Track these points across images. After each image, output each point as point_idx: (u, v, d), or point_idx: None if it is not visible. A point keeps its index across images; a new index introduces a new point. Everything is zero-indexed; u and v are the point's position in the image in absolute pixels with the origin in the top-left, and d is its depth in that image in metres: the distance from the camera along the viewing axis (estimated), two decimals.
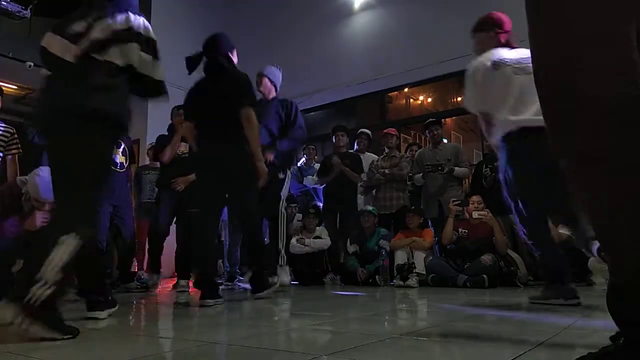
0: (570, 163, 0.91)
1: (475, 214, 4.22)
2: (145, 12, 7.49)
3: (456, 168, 4.74)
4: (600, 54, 0.85)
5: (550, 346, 1.36)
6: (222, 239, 5.31)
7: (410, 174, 5.07)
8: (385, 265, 4.51)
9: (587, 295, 3.18)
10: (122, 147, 4.16)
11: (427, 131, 5.10)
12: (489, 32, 2.72)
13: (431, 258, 4.30)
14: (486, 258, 3.95)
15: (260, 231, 3.22)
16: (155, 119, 6.32)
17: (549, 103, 0.94)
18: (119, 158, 4.11)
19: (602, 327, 1.92)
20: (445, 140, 5.43)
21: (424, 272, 4.27)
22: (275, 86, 4.18)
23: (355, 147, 5.60)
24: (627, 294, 0.85)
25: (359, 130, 5.69)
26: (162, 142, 4.51)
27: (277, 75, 4.23)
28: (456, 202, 4.37)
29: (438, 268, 4.20)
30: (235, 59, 3.17)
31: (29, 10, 5.40)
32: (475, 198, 4.33)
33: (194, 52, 3.11)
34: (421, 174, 4.89)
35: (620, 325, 0.88)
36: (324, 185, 5.34)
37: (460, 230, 4.25)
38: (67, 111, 1.77)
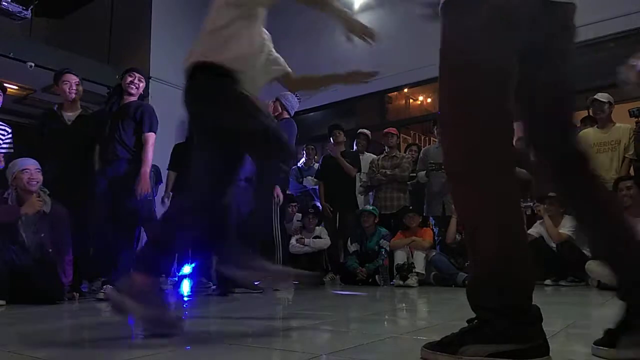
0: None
1: None
2: (146, 12, 7.48)
3: None
4: None
5: (550, 346, 1.37)
6: None
7: (413, 174, 5.07)
8: (385, 265, 4.52)
9: (586, 296, 3.19)
10: None
11: (435, 128, 5.13)
12: None
13: (434, 254, 4.33)
14: None
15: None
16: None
17: None
18: None
19: (600, 326, 1.93)
20: None
21: (424, 272, 4.29)
22: (287, 110, 4.22)
23: (355, 147, 5.60)
24: (483, 284, 1.11)
25: (358, 131, 5.69)
26: None
27: (292, 101, 4.27)
28: None
29: (439, 264, 4.22)
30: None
31: (29, 11, 5.40)
32: None
33: None
34: (425, 172, 4.87)
35: (474, 310, 1.14)
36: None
37: (464, 232, 4.26)
38: None
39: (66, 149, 3.55)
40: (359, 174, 5.29)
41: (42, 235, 2.98)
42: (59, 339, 1.75)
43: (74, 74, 3.85)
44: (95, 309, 2.83)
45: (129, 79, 3.59)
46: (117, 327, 2.04)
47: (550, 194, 4.19)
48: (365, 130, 5.66)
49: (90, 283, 3.86)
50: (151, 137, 3.51)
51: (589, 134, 4.26)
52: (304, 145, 6.09)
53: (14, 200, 2.98)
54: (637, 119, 4.09)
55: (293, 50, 7.54)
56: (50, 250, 2.99)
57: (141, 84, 3.65)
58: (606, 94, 4.24)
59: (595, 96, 4.23)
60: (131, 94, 3.60)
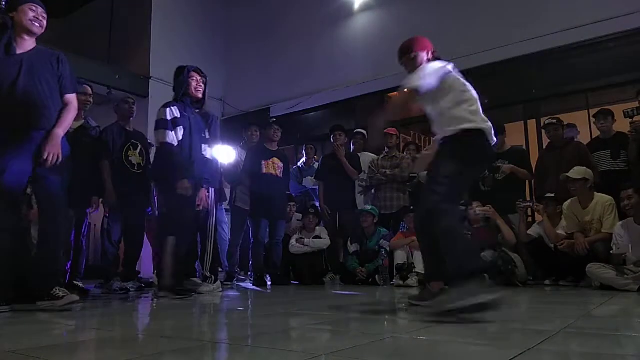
0: None
1: (478, 210, 4.24)
2: (145, 12, 7.48)
3: None
4: None
5: (550, 345, 1.37)
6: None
7: (414, 174, 5.06)
8: (385, 265, 4.52)
9: (585, 296, 3.19)
10: (139, 148, 4.07)
11: None
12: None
13: None
14: (487, 254, 3.96)
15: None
16: (154, 119, 6.31)
17: None
18: (136, 159, 4.03)
19: (598, 326, 1.93)
20: None
21: (423, 272, 4.28)
22: None
23: (352, 147, 5.58)
24: None
25: (355, 131, 5.67)
26: None
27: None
28: (460, 202, 4.38)
29: None
30: (21, 16, 2.54)
31: None
32: (474, 204, 4.34)
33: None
34: (427, 172, 4.85)
35: None
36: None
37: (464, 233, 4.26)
38: None
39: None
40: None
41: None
42: (59, 338, 1.75)
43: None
44: (93, 308, 2.83)
45: (31, 13, 2.55)
46: (118, 326, 2.04)
47: (548, 194, 4.19)
48: (361, 130, 5.65)
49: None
50: (75, 99, 2.68)
51: (573, 210, 3.98)
52: (304, 145, 6.09)
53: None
54: (631, 120, 4.08)
55: (293, 49, 7.60)
56: None
57: (45, 22, 2.63)
58: (582, 169, 3.91)
59: (567, 174, 3.91)
60: (33, 34, 2.58)
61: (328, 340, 1.62)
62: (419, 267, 4.29)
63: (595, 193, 3.90)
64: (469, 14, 6.20)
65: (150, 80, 6.94)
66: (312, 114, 7.67)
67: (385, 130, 5.36)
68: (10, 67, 2.45)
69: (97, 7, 7.91)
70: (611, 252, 3.53)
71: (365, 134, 5.63)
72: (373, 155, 5.47)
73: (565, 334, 1.58)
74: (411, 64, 2.72)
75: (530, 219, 4.74)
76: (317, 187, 5.53)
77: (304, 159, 5.92)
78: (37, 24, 2.56)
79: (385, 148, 5.28)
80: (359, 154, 5.42)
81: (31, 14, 2.54)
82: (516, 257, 4.10)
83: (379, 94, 7.04)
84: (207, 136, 3.55)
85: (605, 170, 4.23)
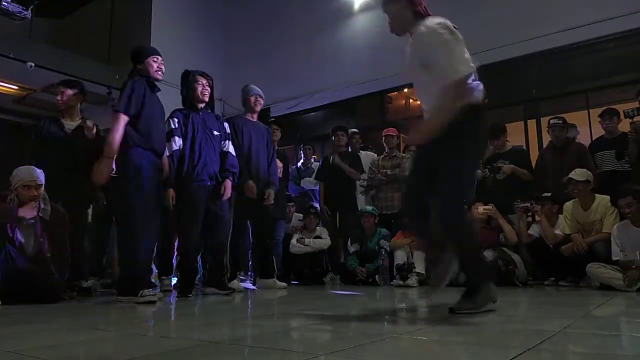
0: None
1: (481, 209, 4.24)
2: (146, 12, 7.45)
3: None
4: None
5: (550, 345, 1.37)
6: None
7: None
8: (385, 265, 4.52)
9: (585, 296, 3.19)
10: None
11: None
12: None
13: None
14: (487, 253, 3.96)
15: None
16: None
17: None
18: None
19: (598, 326, 1.93)
20: None
21: (424, 272, 4.28)
22: None
23: (348, 147, 5.57)
24: None
25: (351, 131, 5.66)
26: None
27: None
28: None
29: None
30: (148, 68, 3.11)
31: (29, 11, 5.39)
32: (477, 204, 4.34)
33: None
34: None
35: None
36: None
37: None
38: None
39: (64, 157, 3.55)
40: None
41: (41, 239, 2.99)
42: (59, 338, 1.75)
43: (70, 87, 3.77)
44: (92, 307, 2.83)
45: (155, 65, 3.14)
46: (118, 326, 2.04)
47: (545, 194, 4.19)
48: (354, 130, 5.66)
49: (85, 282, 3.87)
50: None
51: (573, 211, 3.95)
52: (302, 145, 6.08)
53: (15, 204, 2.99)
54: (631, 120, 4.07)
55: (293, 49, 7.60)
56: (48, 252, 3.00)
57: (163, 68, 3.28)
58: (585, 172, 3.90)
59: (570, 175, 3.91)
60: (157, 81, 3.24)
61: (328, 340, 1.62)
62: (419, 267, 4.30)
63: (596, 195, 3.90)
64: (469, 15, 6.19)
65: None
66: (312, 114, 7.67)
67: (385, 131, 5.36)
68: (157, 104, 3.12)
69: (97, 7, 7.90)
70: (618, 259, 3.43)
71: (357, 131, 5.64)
72: (373, 154, 5.47)
73: (565, 334, 1.58)
74: (407, 15, 2.24)
75: (530, 219, 4.74)
76: (315, 188, 5.52)
77: (302, 160, 5.91)
78: (160, 72, 3.10)
79: (386, 148, 5.28)
80: (359, 153, 5.42)
81: (156, 66, 3.07)
82: (516, 257, 4.10)
83: (379, 94, 7.05)
84: (219, 133, 3.66)
85: (610, 170, 4.19)
